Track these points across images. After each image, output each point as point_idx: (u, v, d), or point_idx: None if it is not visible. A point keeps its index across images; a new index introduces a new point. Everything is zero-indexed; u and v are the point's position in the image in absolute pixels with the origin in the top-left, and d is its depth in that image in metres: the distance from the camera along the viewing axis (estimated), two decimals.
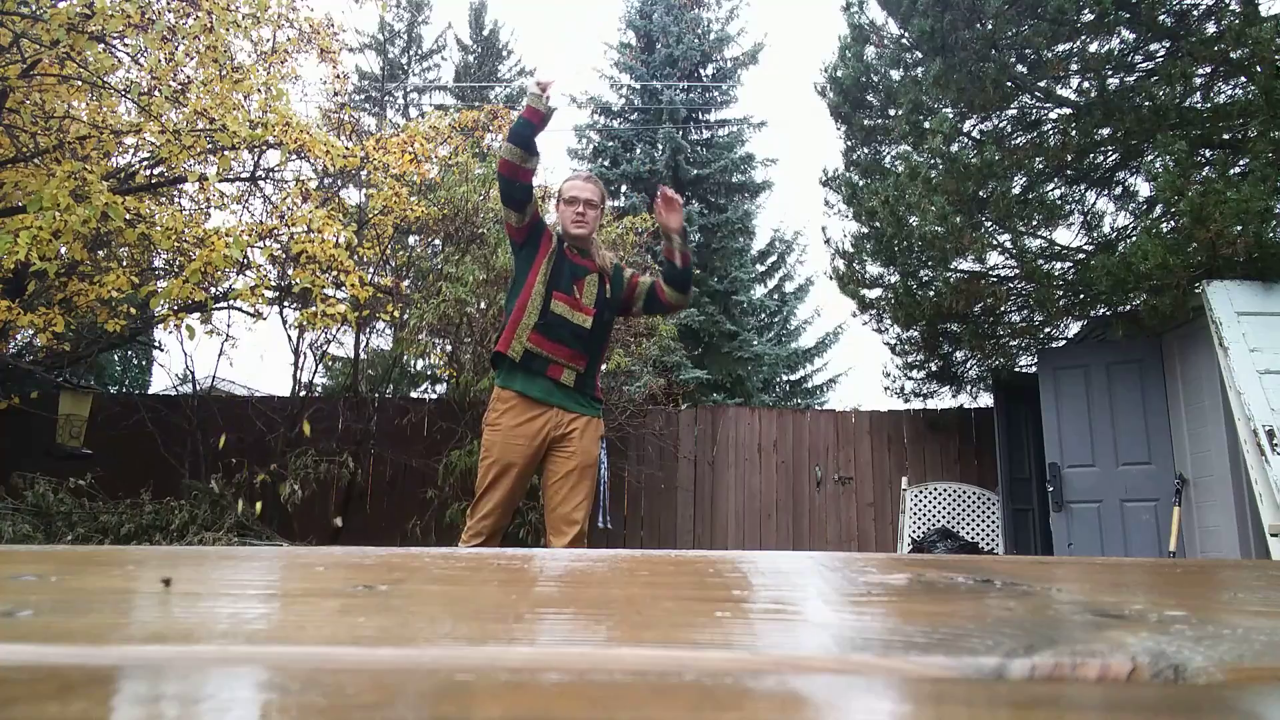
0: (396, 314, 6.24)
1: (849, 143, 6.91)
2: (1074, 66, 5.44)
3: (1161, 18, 5.15)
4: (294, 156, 5.39)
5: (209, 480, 5.54)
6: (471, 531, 2.74)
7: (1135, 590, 0.60)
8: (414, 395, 8.73)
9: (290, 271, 5.40)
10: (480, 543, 2.71)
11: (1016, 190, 5.62)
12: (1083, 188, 6.03)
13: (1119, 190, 6.06)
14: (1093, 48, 5.35)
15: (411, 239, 7.18)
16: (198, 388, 7.04)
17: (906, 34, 5.92)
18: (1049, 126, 5.71)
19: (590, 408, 2.86)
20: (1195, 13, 5.21)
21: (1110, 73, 5.29)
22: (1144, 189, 5.85)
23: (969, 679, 0.34)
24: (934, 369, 7.30)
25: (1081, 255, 5.72)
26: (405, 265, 6.80)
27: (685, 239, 2.95)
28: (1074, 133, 5.26)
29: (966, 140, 5.90)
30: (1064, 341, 6.56)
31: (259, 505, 5.37)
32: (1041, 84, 5.57)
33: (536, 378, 2.77)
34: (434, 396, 8.75)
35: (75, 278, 5.64)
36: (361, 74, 16.27)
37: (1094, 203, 6.13)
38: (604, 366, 3.06)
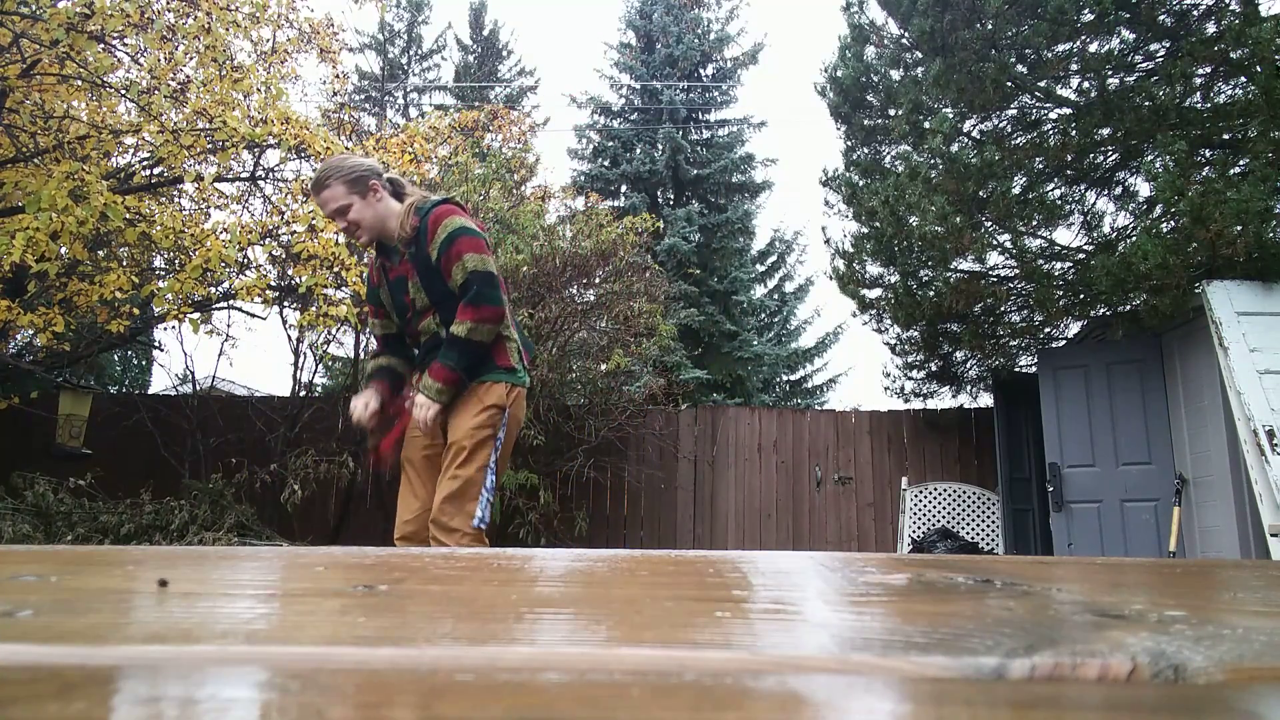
0: None
1: (849, 143, 6.91)
2: (1074, 66, 5.44)
3: (1161, 18, 5.15)
4: (293, 155, 5.39)
5: (209, 480, 5.54)
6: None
7: (1135, 590, 0.60)
8: None
9: (290, 270, 5.40)
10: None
11: (1016, 190, 5.62)
12: (1083, 188, 6.03)
13: (1119, 190, 6.06)
14: (1093, 48, 5.35)
15: None
16: (198, 388, 7.04)
17: (906, 34, 5.91)
18: (1049, 126, 5.71)
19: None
20: (1195, 13, 5.21)
21: (1110, 73, 5.29)
22: (1144, 189, 5.85)
23: (969, 679, 0.34)
24: (934, 369, 7.30)
25: (1081, 255, 5.72)
26: None
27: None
28: (1074, 133, 5.26)
29: (966, 140, 5.90)
30: (1064, 341, 6.56)
31: (258, 505, 5.36)
32: (1041, 84, 5.57)
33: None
34: None
35: (75, 278, 5.63)
36: (361, 74, 16.27)
37: (1094, 203, 6.13)
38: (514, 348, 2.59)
